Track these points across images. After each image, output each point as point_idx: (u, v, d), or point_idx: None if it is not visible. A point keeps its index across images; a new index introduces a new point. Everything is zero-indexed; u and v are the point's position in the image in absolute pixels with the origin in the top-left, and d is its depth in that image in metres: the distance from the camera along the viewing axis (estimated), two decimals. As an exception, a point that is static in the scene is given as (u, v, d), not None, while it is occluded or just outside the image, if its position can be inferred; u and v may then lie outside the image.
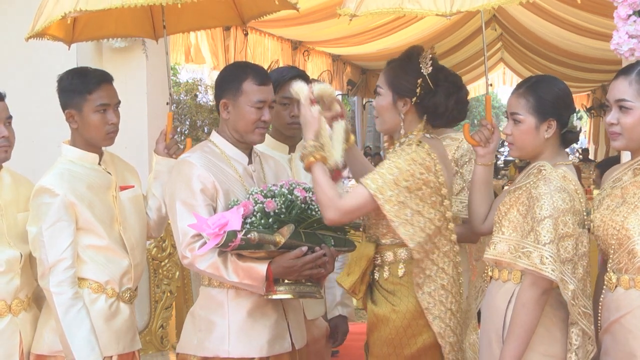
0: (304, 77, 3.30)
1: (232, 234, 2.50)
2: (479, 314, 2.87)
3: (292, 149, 3.34)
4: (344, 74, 12.63)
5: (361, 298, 2.72)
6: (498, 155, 16.66)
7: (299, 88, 2.69)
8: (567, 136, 2.64)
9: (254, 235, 2.53)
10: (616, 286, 2.48)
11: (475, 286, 3.01)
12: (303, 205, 2.67)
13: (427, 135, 2.72)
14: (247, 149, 2.86)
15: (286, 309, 2.81)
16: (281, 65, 8.92)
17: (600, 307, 2.54)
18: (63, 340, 2.68)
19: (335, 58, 12.01)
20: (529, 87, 2.60)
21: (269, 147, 3.08)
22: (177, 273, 4.00)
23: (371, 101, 14.02)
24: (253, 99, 2.74)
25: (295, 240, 2.60)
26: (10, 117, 2.83)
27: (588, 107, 17.40)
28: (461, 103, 2.75)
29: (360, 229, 2.84)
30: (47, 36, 2.99)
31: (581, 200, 2.52)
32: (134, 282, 2.91)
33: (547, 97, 2.56)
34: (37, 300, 2.88)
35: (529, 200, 2.50)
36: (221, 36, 8.27)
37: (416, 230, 2.58)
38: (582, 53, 11.00)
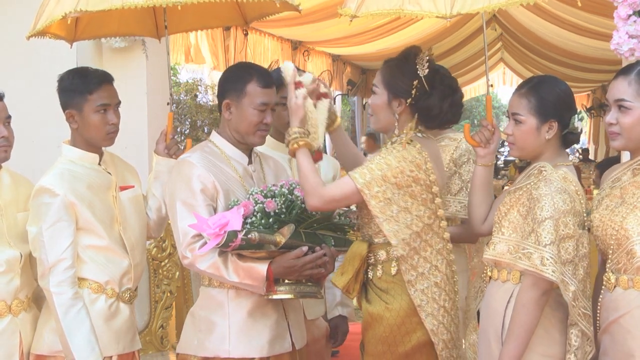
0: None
1: (233, 234, 2.50)
2: (478, 314, 2.88)
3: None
4: (344, 74, 12.62)
5: (356, 297, 2.73)
6: (498, 156, 16.65)
7: (285, 70, 2.73)
8: (568, 137, 2.64)
9: (254, 235, 2.53)
10: (615, 286, 2.48)
11: (475, 286, 3.01)
12: (303, 205, 2.68)
13: (419, 135, 2.73)
14: (247, 149, 2.86)
15: (286, 309, 2.81)
16: (281, 65, 8.91)
17: (599, 307, 2.54)
18: (63, 340, 2.68)
19: (335, 58, 12.01)
20: (531, 88, 2.60)
21: (269, 147, 3.09)
22: (177, 273, 4.00)
23: (371, 101, 13.96)
24: (256, 101, 2.75)
25: (295, 240, 2.61)
26: (9, 117, 2.83)
27: (588, 107, 17.39)
28: (455, 106, 2.77)
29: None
30: (49, 35, 2.99)
31: (581, 201, 2.52)
32: (134, 282, 2.91)
33: (549, 98, 2.56)
34: (37, 300, 2.88)
35: (530, 201, 2.50)
36: (221, 36, 8.26)
37: (401, 227, 2.61)
38: (582, 53, 11.00)
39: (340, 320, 3.46)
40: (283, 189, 2.66)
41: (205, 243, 2.57)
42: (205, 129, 7.96)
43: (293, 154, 2.69)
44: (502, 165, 16.02)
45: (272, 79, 2.80)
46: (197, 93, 8.40)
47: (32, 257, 2.78)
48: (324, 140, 2.79)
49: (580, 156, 15.98)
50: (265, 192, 2.66)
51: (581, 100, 17.81)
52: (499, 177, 13.52)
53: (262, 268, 2.60)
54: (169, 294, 3.99)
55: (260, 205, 2.61)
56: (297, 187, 2.69)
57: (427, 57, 2.69)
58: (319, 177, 2.64)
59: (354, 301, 3.12)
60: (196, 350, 2.74)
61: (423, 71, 2.66)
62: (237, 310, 2.71)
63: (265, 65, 8.21)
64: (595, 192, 3.00)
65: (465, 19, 10.27)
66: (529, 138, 2.59)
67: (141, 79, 4.62)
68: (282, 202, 2.63)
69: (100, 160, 2.89)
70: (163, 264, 3.98)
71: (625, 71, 2.49)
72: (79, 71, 2.87)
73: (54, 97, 2.89)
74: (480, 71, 14.22)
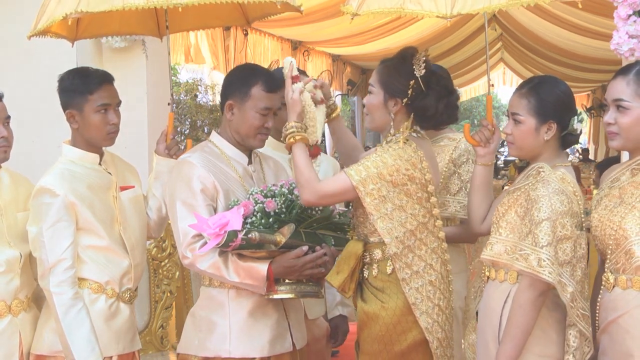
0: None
1: (233, 234, 2.50)
2: (477, 314, 2.88)
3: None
4: (344, 74, 12.63)
5: (351, 296, 2.74)
6: (498, 156, 16.66)
7: (285, 64, 2.75)
8: (567, 138, 2.64)
9: (254, 235, 2.54)
10: (614, 286, 2.48)
11: (474, 286, 3.01)
12: (303, 205, 2.68)
13: (414, 134, 2.74)
14: (247, 149, 2.87)
15: (287, 308, 2.81)
16: (281, 65, 8.92)
17: (598, 307, 2.54)
18: (63, 340, 2.68)
19: (335, 58, 12.01)
20: (531, 88, 2.60)
21: (269, 147, 3.09)
22: (177, 273, 4.00)
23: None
24: (260, 105, 2.75)
25: (295, 240, 2.61)
26: (8, 117, 2.83)
27: (588, 107, 17.40)
28: (451, 107, 2.77)
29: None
30: (50, 34, 2.99)
31: (579, 202, 2.52)
32: (134, 282, 2.91)
33: (549, 99, 2.56)
34: (37, 300, 2.88)
35: (527, 202, 2.50)
36: (221, 36, 8.26)
37: (395, 225, 2.62)
38: (582, 53, 11.00)
39: (341, 320, 3.46)
40: (283, 189, 2.67)
41: (206, 243, 2.57)
42: (205, 129, 7.97)
43: (289, 148, 2.70)
44: (502, 165, 16.02)
45: (277, 84, 2.79)
46: (197, 93, 8.41)
47: (32, 257, 2.78)
48: (324, 140, 2.81)
49: (580, 156, 15.99)
50: (265, 192, 2.66)
51: (581, 100, 17.81)
52: (499, 177, 13.53)
53: (262, 268, 2.60)
54: (169, 294, 3.99)
55: (260, 205, 2.61)
56: (297, 186, 2.69)
57: (424, 58, 2.69)
58: (314, 172, 2.65)
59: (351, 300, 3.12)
60: (197, 350, 2.74)
61: (420, 71, 2.67)
62: (237, 310, 2.71)
63: (265, 65, 8.21)
64: (595, 192, 3.01)
65: (465, 19, 10.28)
66: (527, 138, 2.59)
67: (141, 79, 4.62)
68: (282, 201, 2.64)
69: (100, 160, 2.89)
70: (163, 264, 3.98)
71: (624, 71, 2.49)
72: (79, 71, 2.88)
73: (54, 97, 2.89)
74: (480, 71, 14.23)
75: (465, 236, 3.17)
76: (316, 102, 2.79)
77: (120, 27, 3.35)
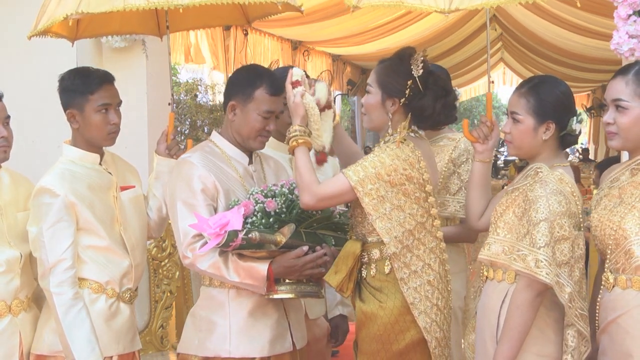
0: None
1: (233, 234, 2.51)
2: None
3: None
4: (344, 74, 12.63)
5: (350, 296, 2.74)
6: (498, 155, 16.68)
7: (292, 71, 2.76)
8: (566, 139, 2.64)
9: (255, 234, 2.54)
10: (613, 286, 2.48)
11: (474, 286, 3.01)
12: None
13: (412, 134, 2.74)
14: (248, 150, 2.87)
15: (287, 308, 2.81)
16: (281, 65, 8.93)
17: (597, 307, 2.54)
18: (63, 340, 2.68)
19: (335, 58, 12.02)
20: (530, 88, 2.60)
21: (269, 147, 3.09)
22: (177, 273, 4.00)
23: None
24: (262, 107, 2.75)
25: (296, 240, 2.61)
26: (8, 117, 2.83)
27: (588, 107, 17.40)
28: (448, 107, 2.78)
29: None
30: (50, 34, 2.99)
31: (577, 202, 2.52)
32: (134, 282, 2.91)
33: (548, 100, 2.56)
34: (37, 300, 2.88)
35: (525, 202, 2.50)
36: (221, 36, 8.27)
37: (394, 224, 2.62)
38: (582, 53, 11.00)
39: (341, 320, 3.46)
40: (283, 189, 2.67)
41: (206, 243, 2.58)
42: (205, 129, 7.97)
43: (292, 151, 2.70)
44: (502, 165, 16.03)
45: (281, 87, 2.79)
46: (197, 93, 8.41)
47: (32, 257, 2.78)
48: (330, 143, 2.82)
49: (580, 156, 15.99)
50: (265, 191, 2.66)
51: (581, 100, 17.82)
52: (499, 177, 13.54)
53: (262, 268, 2.60)
54: (169, 294, 3.99)
55: (261, 205, 2.62)
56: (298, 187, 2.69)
57: (422, 58, 2.70)
58: (314, 175, 2.65)
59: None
60: (197, 350, 2.74)
61: (417, 72, 2.68)
62: (238, 310, 2.71)
63: (265, 65, 8.20)
64: (594, 192, 3.01)
65: (465, 19, 10.28)
66: (526, 138, 2.59)
67: (141, 79, 4.62)
68: (282, 201, 2.64)
69: (101, 160, 2.89)
70: (163, 264, 3.98)
71: (624, 71, 2.50)
72: (80, 71, 2.87)
73: (54, 97, 2.89)
74: (480, 71, 14.23)
75: (464, 236, 3.17)
76: (324, 107, 2.80)
77: (121, 27, 3.35)
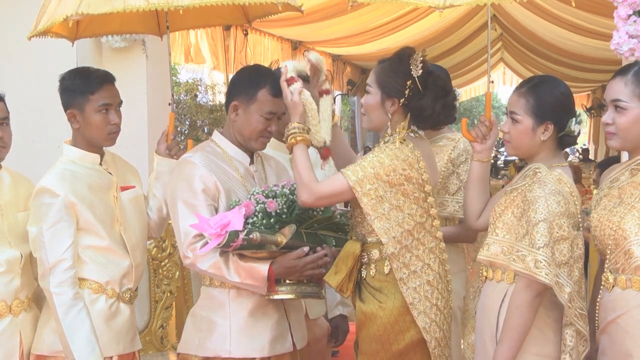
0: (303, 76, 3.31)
1: (234, 234, 2.51)
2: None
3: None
4: (344, 74, 12.63)
5: (350, 296, 2.74)
6: (498, 155, 16.68)
7: (283, 67, 2.74)
8: (565, 139, 2.64)
9: (255, 235, 2.54)
10: (613, 286, 2.48)
11: (473, 286, 3.02)
12: (301, 206, 2.68)
13: (412, 135, 2.74)
14: (249, 150, 2.87)
15: (287, 309, 2.81)
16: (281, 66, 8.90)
17: (597, 307, 2.54)
18: (63, 340, 2.68)
19: (335, 58, 12.02)
20: (530, 88, 2.60)
21: (270, 147, 3.09)
22: (177, 273, 4.00)
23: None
24: (265, 109, 2.75)
25: (296, 241, 2.62)
26: (5, 118, 2.82)
27: (588, 107, 17.41)
28: (448, 107, 2.78)
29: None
30: (51, 34, 2.99)
31: (576, 202, 2.52)
32: (134, 282, 2.91)
33: (547, 100, 2.56)
34: (38, 300, 2.88)
35: (524, 203, 2.50)
36: (221, 36, 8.27)
37: (392, 225, 2.62)
38: (582, 53, 11.01)
39: (341, 320, 3.46)
40: (284, 189, 2.67)
41: (207, 243, 2.57)
42: (205, 129, 7.97)
43: (290, 148, 2.70)
44: (502, 165, 16.03)
45: None
46: (197, 93, 8.41)
47: (33, 257, 2.78)
48: (330, 135, 2.80)
49: (581, 156, 16.00)
50: (266, 192, 2.66)
51: (581, 100, 17.82)
52: (499, 177, 13.53)
53: (263, 268, 2.60)
54: (169, 294, 3.99)
55: (262, 205, 2.62)
56: None
57: (421, 58, 2.70)
58: (313, 173, 2.65)
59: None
60: (197, 350, 2.74)
61: (417, 72, 2.67)
62: (238, 310, 2.71)
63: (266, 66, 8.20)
64: (594, 191, 3.01)
65: (466, 19, 10.29)
66: (524, 138, 2.59)
67: (141, 79, 4.62)
68: (283, 202, 2.64)
69: (101, 160, 2.89)
70: (163, 264, 3.98)
71: (623, 71, 2.50)
72: (80, 71, 2.87)
73: (54, 97, 2.89)
74: (480, 71, 14.23)
75: (463, 236, 3.17)
76: (322, 92, 2.80)
77: (121, 26, 3.35)
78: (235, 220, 2.52)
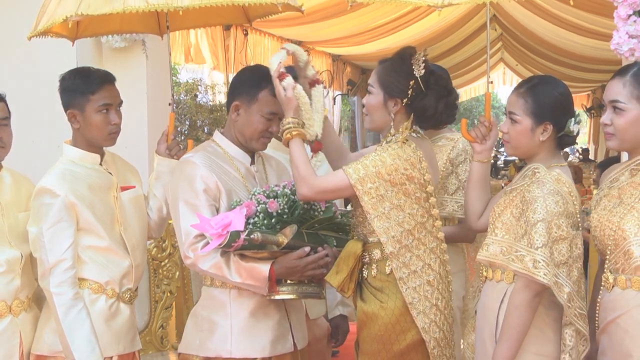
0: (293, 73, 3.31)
1: (235, 234, 2.51)
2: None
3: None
4: (344, 74, 12.62)
5: (351, 296, 2.74)
6: (498, 156, 16.68)
7: (270, 64, 2.73)
8: (564, 139, 2.64)
9: (257, 235, 2.54)
10: (613, 286, 2.48)
11: (473, 286, 3.01)
12: (305, 206, 2.68)
13: (414, 135, 2.74)
14: (250, 150, 2.87)
15: (288, 309, 2.81)
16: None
17: (598, 307, 2.54)
18: (63, 340, 2.68)
19: (335, 58, 12.01)
20: (529, 88, 2.60)
21: (271, 148, 3.09)
22: (177, 273, 4.00)
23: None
24: (266, 109, 2.75)
25: (297, 241, 2.61)
26: (5, 118, 2.82)
27: (588, 107, 17.40)
28: (450, 107, 2.79)
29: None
30: (51, 33, 2.98)
31: (575, 202, 2.52)
32: (134, 282, 2.91)
33: (546, 101, 2.56)
34: (38, 300, 2.88)
35: (523, 203, 2.50)
36: (221, 36, 8.26)
37: (392, 224, 2.62)
38: (582, 53, 11.00)
39: (341, 320, 3.46)
40: (285, 190, 2.67)
41: (208, 243, 2.57)
42: (205, 129, 7.97)
43: (286, 143, 2.70)
44: (502, 165, 16.03)
45: None
46: (197, 93, 8.41)
47: (33, 257, 2.78)
48: (321, 127, 2.80)
49: (581, 156, 16.00)
50: (267, 192, 2.66)
51: (581, 100, 17.82)
52: (499, 177, 13.54)
53: (264, 268, 2.60)
54: (169, 294, 3.99)
55: (263, 205, 2.62)
56: None
57: (424, 58, 2.69)
58: (310, 167, 2.65)
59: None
60: (198, 350, 2.74)
61: (419, 72, 2.68)
62: (239, 310, 2.71)
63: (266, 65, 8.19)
64: (595, 191, 3.01)
65: (466, 19, 10.29)
66: (523, 138, 2.59)
67: (141, 79, 4.62)
68: (284, 202, 2.64)
69: (101, 160, 2.89)
70: (163, 264, 3.98)
71: (622, 72, 2.50)
72: (80, 71, 2.87)
73: (54, 97, 2.89)
74: (480, 71, 14.23)
75: (463, 235, 3.17)
76: (313, 83, 2.80)
77: (121, 26, 3.35)
78: (237, 220, 2.52)
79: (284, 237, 2.58)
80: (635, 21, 2.76)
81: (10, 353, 2.75)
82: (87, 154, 2.86)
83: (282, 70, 2.70)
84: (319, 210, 2.73)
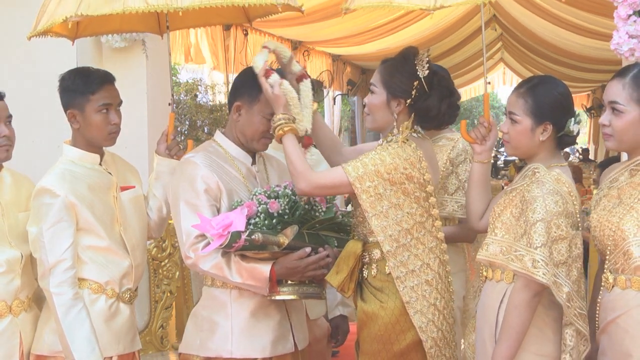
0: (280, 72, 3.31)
1: (236, 235, 2.50)
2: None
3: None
4: (344, 74, 12.62)
5: (351, 296, 2.74)
6: (498, 156, 16.68)
7: (255, 63, 2.73)
8: (564, 139, 2.64)
9: (257, 236, 2.53)
10: (613, 286, 2.48)
11: (474, 286, 3.01)
12: (306, 206, 2.69)
13: (415, 134, 2.74)
14: (251, 150, 2.87)
15: (289, 309, 2.81)
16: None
17: (598, 307, 2.54)
18: (63, 340, 2.68)
19: (335, 58, 12.01)
20: (529, 88, 2.60)
21: (272, 148, 3.09)
22: (177, 273, 4.00)
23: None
24: (267, 110, 2.75)
25: (298, 241, 2.61)
26: (10, 116, 2.83)
27: (588, 107, 17.40)
28: (453, 107, 2.79)
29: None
30: (51, 33, 2.98)
31: (574, 202, 2.52)
32: (134, 282, 2.91)
33: (546, 101, 2.56)
34: (38, 300, 2.88)
35: (522, 203, 2.50)
36: (221, 36, 8.26)
37: (390, 223, 2.62)
38: (582, 53, 11.00)
39: (341, 320, 3.46)
40: (286, 190, 2.67)
41: (209, 243, 2.57)
42: (205, 129, 7.98)
43: (279, 140, 2.70)
44: (502, 165, 16.04)
45: None
46: (197, 93, 8.42)
47: (33, 257, 2.78)
48: (311, 122, 2.79)
49: (581, 156, 16.00)
50: (268, 192, 2.66)
51: (581, 100, 17.82)
52: (499, 177, 13.54)
53: (265, 269, 2.60)
54: (169, 294, 3.99)
55: (264, 206, 2.61)
56: None
57: (427, 58, 2.69)
58: (306, 162, 2.66)
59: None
60: (198, 350, 2.74)
61: (423, 72, 2.67)
62: (240, 310, 2.71)
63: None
64: (595, 192, 3.02)
65: (466, 19, 10.29)
66: (523, 138, 2.59)
67: (141, 79, 4.62)
68: (285, 203, 2.63)
69: (101, 160, 2.89)
70: (163, 264, 3.98)
71: (621, 74, 2.50)
72: (80, 71, 2.87)
73: (54, 97, 2.89)
74: (480, 71, 14.20)
75: (463, 235, 3.17)
76: (300, 77, 2.80)
77: (121, 25, 3.35)
78: (238, 220, 2.52)
79: (285, 237, 2.58)
80: (635, 21, 2.77)
81: (10, 353, 2.75)
82: (86, 154, 2.86)
83: (268, 67, 2.70)
84: (320, 210, 2.73)
